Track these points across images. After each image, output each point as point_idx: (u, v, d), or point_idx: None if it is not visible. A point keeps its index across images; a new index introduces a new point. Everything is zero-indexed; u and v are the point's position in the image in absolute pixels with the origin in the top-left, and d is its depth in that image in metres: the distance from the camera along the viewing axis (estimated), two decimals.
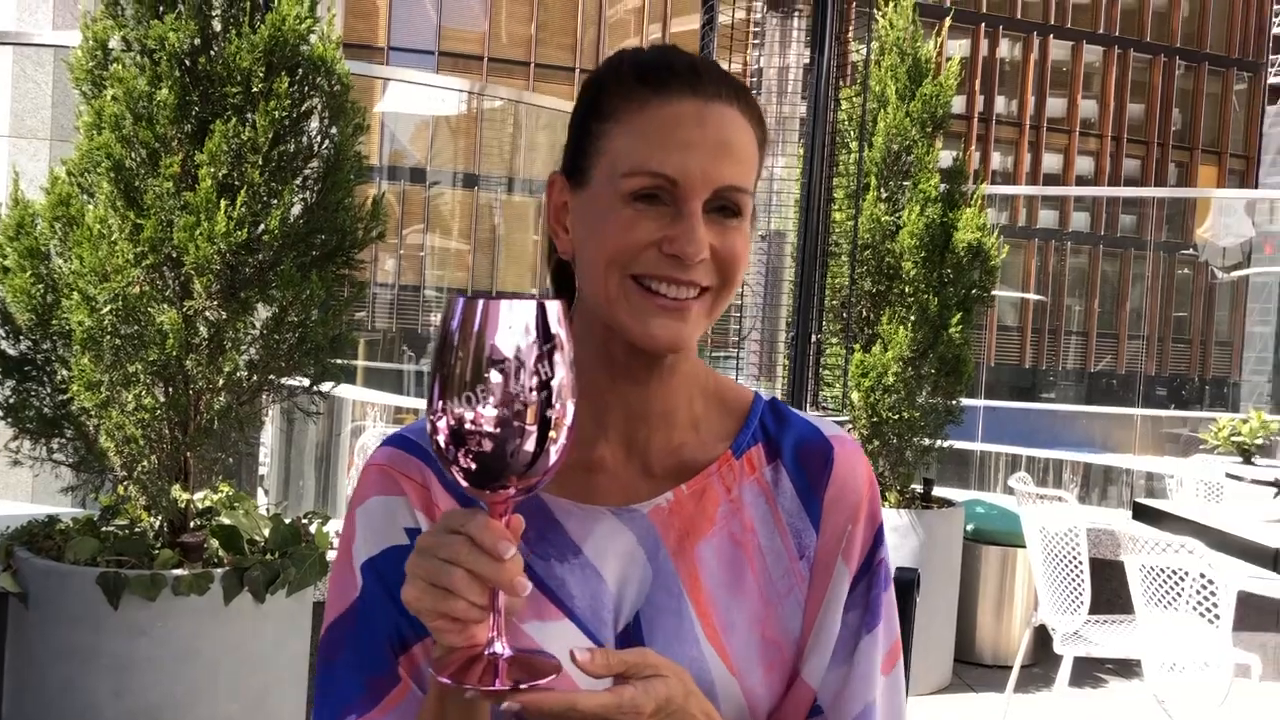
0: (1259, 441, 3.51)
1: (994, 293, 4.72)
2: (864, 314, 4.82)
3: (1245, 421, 3.55)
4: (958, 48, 32.47)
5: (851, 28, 4.37)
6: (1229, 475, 3.44)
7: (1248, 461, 3.49)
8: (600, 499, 0.95)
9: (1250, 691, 3.01)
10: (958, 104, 33.65)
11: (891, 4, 4.85)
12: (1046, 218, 31.75)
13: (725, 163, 0.89)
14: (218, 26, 2.77)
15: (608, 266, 0.89)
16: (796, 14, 3.60)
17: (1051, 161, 34.35)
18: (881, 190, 4.79)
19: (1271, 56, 37.54)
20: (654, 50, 0.95)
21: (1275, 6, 37.53)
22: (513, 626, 0.89)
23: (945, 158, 5.07)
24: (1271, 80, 37.75)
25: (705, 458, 0.98)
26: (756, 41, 3.65)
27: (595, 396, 0.94)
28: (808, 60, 3.46)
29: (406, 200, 16.03)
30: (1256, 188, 35.90)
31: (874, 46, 4.79)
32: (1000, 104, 33.84)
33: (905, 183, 4.83)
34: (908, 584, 1.56)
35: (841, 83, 4.37)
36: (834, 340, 4.51)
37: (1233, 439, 3.52)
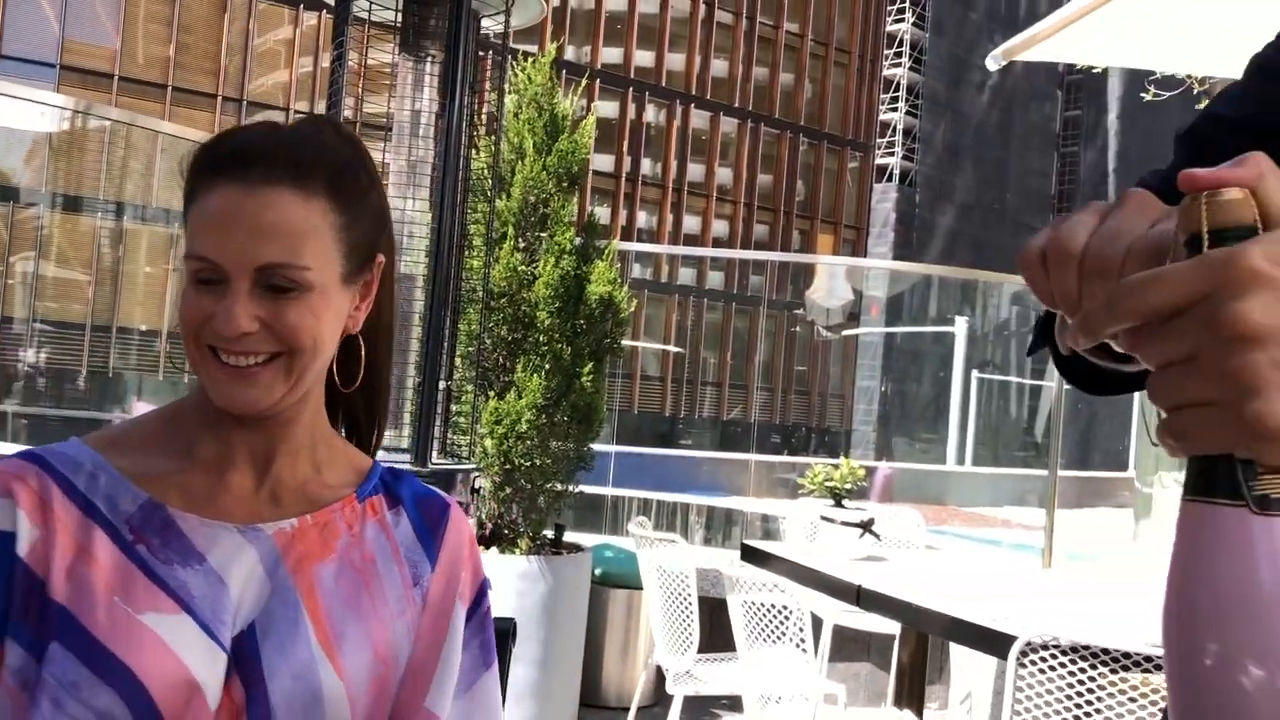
0: (848, 486, 3.84)
1: (639, 344, 4.91)
2: (500, 361, 4.85)
3: (837, 468, 3.87)
4: (606, 109, 33.88)
5: (488, 78, 4.43)
6: (822, 518, 3.73)
7: (839, 504, 3.80)
8: (228, 518, 1.03)
9: (837, 717, 3.26)
10: (607, 163, 35.20)
11: (530, 59, 4.96)
12: (686, 275, 33.65)
13: (265, 244, 0.98)
14: None
15: (185, 338, 1.00)
16: (430, 59, 3.59)
17: (691, 223, 36.52)
18: (519, 240, 4.86)
19: (879, 140, 41.99)
20: (227, 136, 1.05)
21: (883, 95, 42.07)
22: (129, 616, 0.95)
23: (596, 214, 5.24)
24: (879, 160, 42.19)
25: (330, 498, 1.08)
26: (390, 83, 3.61)
27: (224, 435, 1.05)
28: (439, 107, 3.46)
29: (15, 226, 14.52)
30: (866, 256, 39.88)
31: (513, 99, 4.87)
32: (646, 166, 35.62)
33: (542, 234, 4.93)
34: (503, 634, 1.57)
35: (478, 131, 4.40)
36: (468, 387, 4.50)
37: (826, 484, 3.84)
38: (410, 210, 3.72)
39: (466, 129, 3.62)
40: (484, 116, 4.68)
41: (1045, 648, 2.31)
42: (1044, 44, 3.63)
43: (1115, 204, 0.57)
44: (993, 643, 2.67)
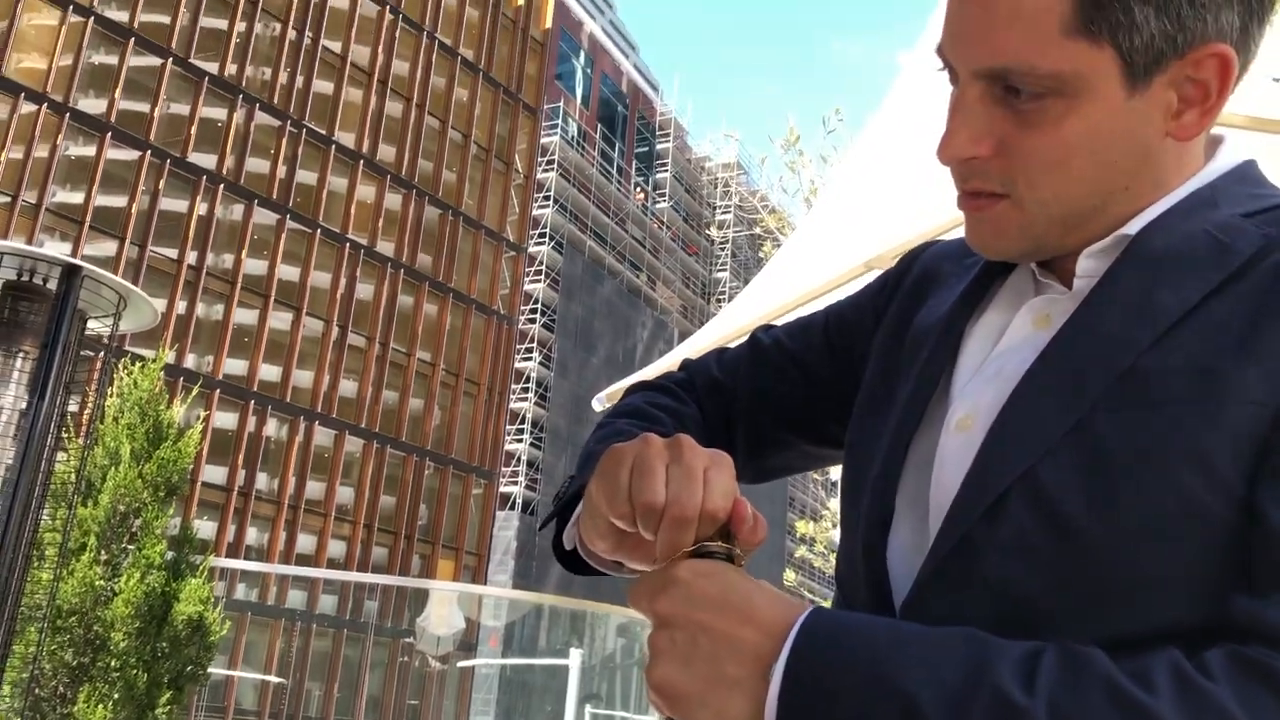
0: None
1: (235, 673, 4.52)
2: (59, 690, 4.30)
3: None
4: (225, 419, 32.73)
5: (95, 379, 4.19)
6: None
7: None
8: None
9: None
10: (219, 475, 33.51)
11: (140, 364, 4.77)
12: (296, 598, 31.84)
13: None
14: None
15: None
16: (22, 355, 3.37)
17: (306, 542, 35.07)
18: (101, 552, 4.46)
19: (503, 469, 43.07)
20: None
21: (509, 426, 43.59)
22: None
23: (201, 528, 4.93)
24: (503, 489, 43.07)
25: None
26: None
27: None
28: (24, 405, 3.21)
29: None
30: (486, 583, 39.73)
31: (114, 403, 4.63)
32: (262, 480, 34.27)
33: (130, 546, 4.57)
34: None
35: (69, 433, 4.12)
36: (14, 719, 3.92)
37: None
38: None
39: (54, 430, 3.37)
40: (85, 418, 4.40)
41: None
42: None
43: (677, 450, 0.73)
44: None
